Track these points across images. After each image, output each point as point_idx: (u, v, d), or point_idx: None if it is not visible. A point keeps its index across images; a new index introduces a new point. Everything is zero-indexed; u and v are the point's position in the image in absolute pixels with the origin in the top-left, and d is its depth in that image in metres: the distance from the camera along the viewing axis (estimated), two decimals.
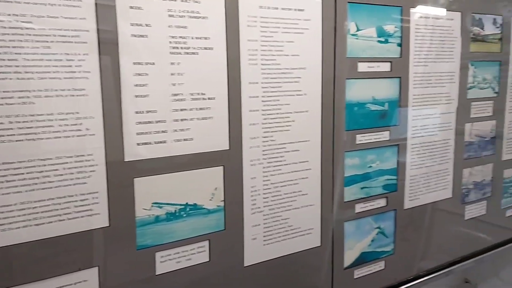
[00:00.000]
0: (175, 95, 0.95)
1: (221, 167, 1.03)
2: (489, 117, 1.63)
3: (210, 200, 1.02)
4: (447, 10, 1.44)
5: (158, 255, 0.96)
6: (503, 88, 1.65)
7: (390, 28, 1.30)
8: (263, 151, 1.10)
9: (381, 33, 1.28)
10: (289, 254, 1.18)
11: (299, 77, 1.14)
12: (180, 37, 0.95)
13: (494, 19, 1.57)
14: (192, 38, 0.97)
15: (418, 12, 1.36)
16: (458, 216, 1.61)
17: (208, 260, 1.03)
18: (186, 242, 1.00)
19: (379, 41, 1.29)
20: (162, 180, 0.95)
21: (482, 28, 1.53)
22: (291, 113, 1.14)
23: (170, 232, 0.97)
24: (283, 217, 1.16)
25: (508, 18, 1.62)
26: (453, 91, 1.49)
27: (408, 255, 1.46)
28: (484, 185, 1.65)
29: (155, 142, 0.93)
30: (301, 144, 1.17)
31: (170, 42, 0.94)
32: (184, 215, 0.98)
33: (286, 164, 1.15)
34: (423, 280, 1.51)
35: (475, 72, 1.54)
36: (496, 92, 1.63)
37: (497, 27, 1.58)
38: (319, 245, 1.24)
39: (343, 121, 1.24)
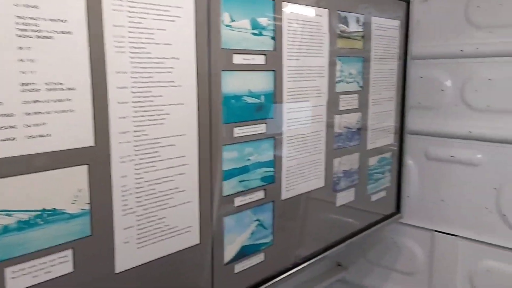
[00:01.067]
0: (26, 84, 0.81)
1: (86, 166, 0.91)
2: (355, 110, 1.72)
3: (72, 203, 0.89)
4: (316, 7, 1.48)
5: (9, 270, 0.82)
6: (366, 83, 1.77)
7: (263, 21, 1.29)
8: (135, 146, 1.01)
9: (255, 25, 1.27)
10: (167, 255, 1.11)
11: (172, 67, 1.07)
12: (30, 17, 0.81)
13: (357, 17, 1.67)
14: (45, 20, 0.83)
15: (289, 6, 1.37)
16: (331, 203, 1.68)
17: (72, 270, 0.91)
18: (45, 253, 0.86)
19: (254, 34, 1.27)
20: (11, 183, 0.81)
21: (347, 26, 1.62)
22: (165, 105, 1.06)
23: (24, 243, 0.83)
24: (158, 216, 1.08)
25: (369, 18, 1.73)
26: (323, 85, 1.54)
27: (286, 244, 1.48)
28: (352, 173, 1.75)
29: (2, 140, 0.79)
30: (177, 139, 1.10)
31: (17, 23, 0.80)
32: (41, 222, 0.85)
33: (161, 160, 1.07)
34: (300, 268, 1.55)
35: (342, 67, 1.62)
36: (360, 86, 1.74)
37: (360, 25, 1.68)
38: (198, 242, 1.18)
39: (220, 114, 1.20)
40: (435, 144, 2.13)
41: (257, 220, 1.35)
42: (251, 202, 1.32)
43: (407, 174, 2.16)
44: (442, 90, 2.08)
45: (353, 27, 1.65)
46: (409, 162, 2.18)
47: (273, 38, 1.33)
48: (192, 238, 1.17)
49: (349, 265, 2.49)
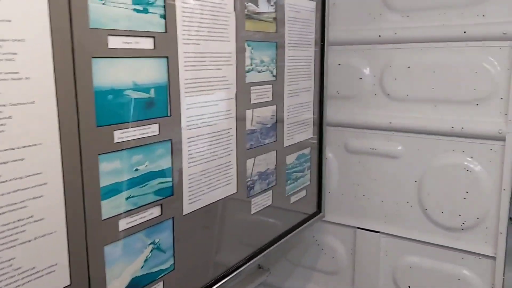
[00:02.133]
0: None
1: None
2: (269, 102, 1.51)
3: None
4: None
5: None
6: (281, 72, 1.56)
7: None
8: None
9: None
10: None
11: (15, 53, 0.77)
12: None
13: None
14: None
15: None
16: (245, 211, 1.46)
17: None
18: None
19: (136, 10, 0.99)
20: None
21: (257, 5, 1.39)
22: (4, 106, 0.76)
23: None
24: (3, 258, 0.78)
25: None
26: (230, 74, 1.30)
27: (192, 267, 1.23)
28: (269, 174, 1.54)
29: None
30: (26, 151, 0.80)
31: None
32: None
33: (2, 182, 0.77)
34: (221, 284, 1.32)
35: (252, 53, 1.39)
36: (274, 76, 1.52)
37: (271, 5, 1.46)
38: (69, 284, 0.90)
39: (92, 114, 0.91)
40: (355, 136, 1.99)
41: (153, 243, 1.08)
42: (143, 222, 1.05)
43: (328, 169, 2.00)
44: (360, 78, 1.94)
45: (264, 7, 1.42)
46: (329, 155, 2.02)
47: (163, 16, 1.05)
48: (59, 279, 0.88)
49: (271, 267, 2.31)
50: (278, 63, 1.53)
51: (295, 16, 1.60)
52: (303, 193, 1.79)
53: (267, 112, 1.50)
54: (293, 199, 1.72)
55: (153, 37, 1.03)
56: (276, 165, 1.57)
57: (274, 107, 1.53)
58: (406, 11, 1.82)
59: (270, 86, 1.50)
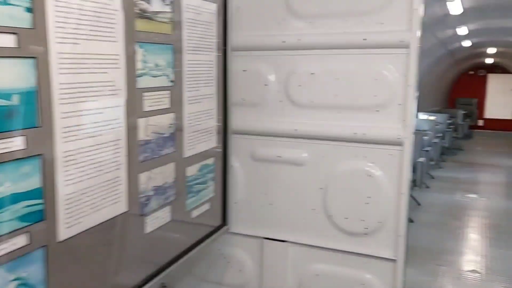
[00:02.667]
0: None
1: None
2: (167, 110, 1.39)
3: None
4: None
5: None
6: (179, 77, 1.44)
7: None
8: None
9: None
10: None
11: None
12: None
13: None
14: None
15: None
16: (140, 228, 1.32)
17: None
18: None
19: None
20: None
21: (149, 3, 1.26)
22: None
23: None
24: None
25: None
26: (118, 79, 1.16)
27: None
28: (166, 189, 1.41)
29: None
30: None
31: None
32: None
33: None
34: None
35: (145, 56, 1.25)
36: (172, 81, 1.40)
37: (167, 4, 1.34)
38: None
39: None
40: (261, 144, 1.93)
41: (18, 279, 0.91)
42: (4, 254, 0.88)
43: (234, 179, 1.92)
44: (266, 85, 1.89)
45: (158, 6, 1.30)
46: (235, 164, 1.94)
47: (29, 10, 0.89)
48: None
49: (176, 285, 2.17)
50: (176, 67, 1.41)
51: (195, 18, 1.49)
52: (206, 206, 1.69)
53: (165, 121, 1.37)
54: (195, 213, 1.61)
55: (16, 33, 0.87)
56: (175, 178, 1.45)
57: (172, 115, 1.41)
58: (309, 17, 1.80)
59: (168, 92, 1.38)
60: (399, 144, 1.65)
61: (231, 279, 2.05)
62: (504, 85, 10.78)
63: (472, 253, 3.47)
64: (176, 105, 1.43)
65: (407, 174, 1.65)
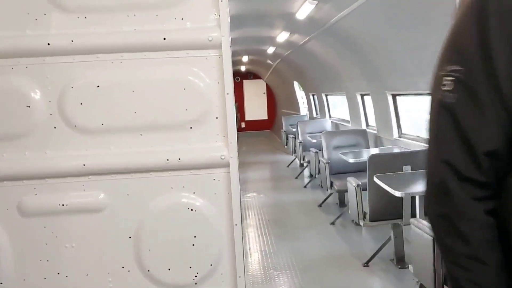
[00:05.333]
0: None
1: None
2: None
3: None
4: None
5: None
6: None
7: None
8: None
9: None
10: None
11: None
12: None
13: None
14: None
15: None
16: None
17: None
18: None
19: None
20: None
21: None
22: None
23: None
24: None
25: None
26: None
27: None
28: None
29: None
30: None
31: None
32: None
33: None
34: None
35: None
36: None
37: None
38: None
39: None
40: (31, 192, 1.32)
41: None
42: None
43: None
44: (28, 106, 1.30)
45: None
46: None
47: None
48: None
49: None
50: None
51: None
52: None
53: None
54: None
55: None
56: None
57: None
58: (83, 11, 1.30)
59: None
60: (224, 165, 1.34)
61: None
62: (257, 89, 11.99)
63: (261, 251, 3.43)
64: None
65: (237, 201, 1.35)
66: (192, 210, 1.34)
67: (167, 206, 1.35)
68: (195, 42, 1.30)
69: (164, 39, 1.30)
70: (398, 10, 2.87)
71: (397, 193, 2.49)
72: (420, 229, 2.14)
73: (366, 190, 2.93)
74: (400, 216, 2.87)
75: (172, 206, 1.35)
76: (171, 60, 1.31)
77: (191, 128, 1.33)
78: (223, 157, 1.32)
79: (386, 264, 3.02)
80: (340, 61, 5.00)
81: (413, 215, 2.77)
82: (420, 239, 2.12)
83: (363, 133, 4.54)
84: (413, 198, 2.64)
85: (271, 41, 5.90)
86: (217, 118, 1.32)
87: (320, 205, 4.53)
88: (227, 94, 1.29)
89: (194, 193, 1.35)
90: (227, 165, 1.32)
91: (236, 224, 1.33)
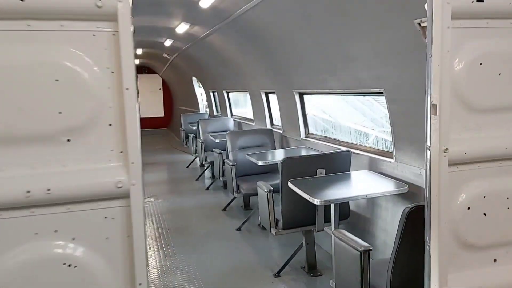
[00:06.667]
0: None
1: None
2: None
3: None
4: None
5: None
6: None
7: None
8: None
9: None
10: None
11: None
12: None
13: None
14: None
15: None
16: None
17: None
18: None
19: None
20: None
21: None
22: None
23: None
24: None
25: None
26: None
27: None
28: None
29: None
30: None
31: None
32: None
33: None
34: None
35: None
36: None
37: None
38: None
39: None
40: None
41: None
42: None
43: None
44: None
45: None
46: None
47: None
48: None
49: None
50: None
51: None
52: None
53: None
54: None
55: None
56: None
57: None
58: None
59: None
60: (121, 196, 0.88)
61: None
62: (152, 85, 11.17)
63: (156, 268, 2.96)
64: None
65: (143, 248, 0.90)
66: (70, 265, 0.86)
67: (28, 262, 0.85)
68: (75, 8, 0.82)
69: (23, 1, 0.80)
70: (311, 0, 2.61)
71: (316, 201, 2.23)
72: (344, 242, 1.88)
73: (277, 193, 2.66)
74: (313, 222, 2.64)
75: (37, 261, 0.85)
76: (34, 35, 0.82)
77: (68, 140, 0.85)
78: (120, 185, 0.86)
79: (298, 272, 2.78)
80: (243, 57, 4.68)
81: (326, 220, 2.58)
82: (345, 253, 1.86)
83: (269, 132, 4.28)
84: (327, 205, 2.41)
85: (169, 32, 5.36)
86: (110, 125, 0.86)
87: (224, 209, 4.18)
88: (127, 89, 0.84)
89: (73, 239, 0.87)
90: (126, 196, 0.87)
91: (140, 284, 0.88)
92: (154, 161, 7.29)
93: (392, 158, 2.53)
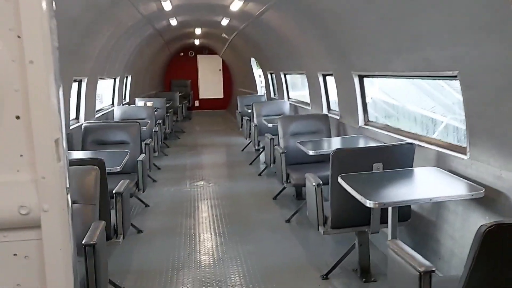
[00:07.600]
0: None
1: None
2: None
3: None
4: None
5: None
6: None
7: None
8: None
9: None
10: None
11: None
12: None
13: None
14: None
15: None
16: None
17: None
18: None
19: None
20: None
21: None
22: None
23: None
24: None
25: None
26: None
27: None
28: None
29: None
30: None
31: None
32: None
33: None
34: None
35: None
36: None
37: None
38: None
39: None
40: None
41: None
42: None
43: None
44: None
45: None
46: None
47: None
48: None
49: None
50: None
51: None
52: None
53: None
54: None
55: None
56: None
57: None
58: None
59: None
60: (29, 226, 0.59)
61: None
62: (213, 66, 11.04)
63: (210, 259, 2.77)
64: None
65: None
66: None
67: None
68: None
69: None
70: None
71: (369, 203, 1.89)
72: (401, 257, 1.54)
73: (327, 185, 2.32)
74: (367, 223, 2.29)
75: None
76: None
77: None
78: (24, 211, 0.58)
79: (349, 275, 2.45)
80: (300, 35, 4.30)
81: (383, 220, 2.21)
82: (401, 271, 1.53)
83: (325, 118, 3.90)
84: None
85: (224, 11, 5.09)
86: (18, 118, 0.59)
87: (275, 198, 3.90)
88: (31, 62, 0.56)
89: None
90: (36, 226, 0.59)
91: None
92: (210, 143, 7.17)
93: (466, 154, 2.11)
